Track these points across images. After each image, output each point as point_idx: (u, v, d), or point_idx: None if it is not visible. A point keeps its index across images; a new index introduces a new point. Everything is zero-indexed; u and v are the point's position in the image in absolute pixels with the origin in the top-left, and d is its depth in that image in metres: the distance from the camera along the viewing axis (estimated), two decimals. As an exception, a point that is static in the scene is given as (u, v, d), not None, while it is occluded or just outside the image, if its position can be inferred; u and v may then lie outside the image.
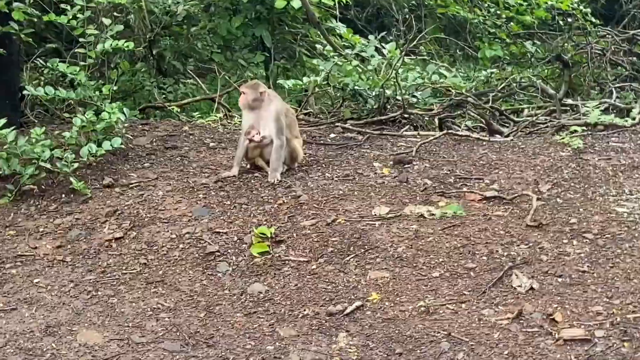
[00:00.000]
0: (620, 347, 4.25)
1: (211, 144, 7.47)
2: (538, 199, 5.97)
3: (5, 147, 6.35)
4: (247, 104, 6.67)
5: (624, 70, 12.57)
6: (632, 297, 4.66)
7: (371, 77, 8.28)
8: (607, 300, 4.67)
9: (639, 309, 4.54)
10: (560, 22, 14.59)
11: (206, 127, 8.11)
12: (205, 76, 10.78)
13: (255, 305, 4.95)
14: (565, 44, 14.00)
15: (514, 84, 10.89)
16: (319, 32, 10.15)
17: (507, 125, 8.90)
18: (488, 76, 11.65)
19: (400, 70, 8.42)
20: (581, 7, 14.31)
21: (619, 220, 5.61)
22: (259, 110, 6.67)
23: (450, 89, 8.78)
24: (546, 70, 13.34)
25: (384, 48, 8.73)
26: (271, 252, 5.49)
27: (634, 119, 7.71)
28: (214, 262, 5.44)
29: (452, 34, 15.06)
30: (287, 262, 5.38)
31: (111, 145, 6.59)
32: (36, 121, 8.03)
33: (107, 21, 7.29)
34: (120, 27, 7.57)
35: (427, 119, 8.41)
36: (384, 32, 9.63)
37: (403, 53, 8.21)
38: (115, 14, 8.49)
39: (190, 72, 9.85)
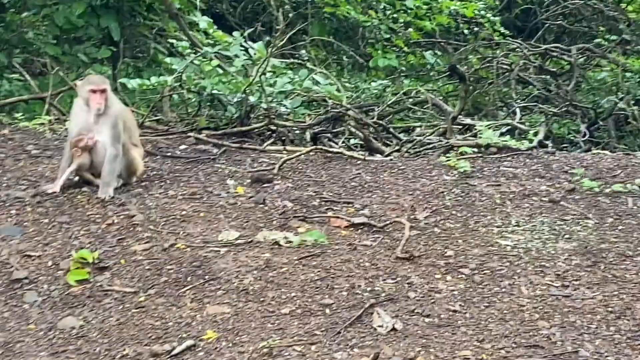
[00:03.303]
0: (487, 397, 4.37)
1: (34, 152, 7.35)
2: (412, 228, 6.10)
3: None
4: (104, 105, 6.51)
5: (535, 89, 13.02)
6: (505, 341, 4.80)
7: (233, 81, 8.33)
8: (478, 344, 4.80)
9: (512, 355, 4.68)
10: (465, 31, 15.00)
11: (31, 131, 7.98)
12: (40, 72, 10.63)
13: (65, 343, 4.87)
14: (470, 56, 14.41)
15: (407, 99, 11.17)
16: (178, 27, 10.15)
17: (391, 144, 9.09)
18: (381, 89, 11.92)
19: (268, 75, 8.50)
20: (489, 16, 14.75)
21: (501, 254, 5.78)
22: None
23: (327, 99, 8.91)
24: (449, 86, 13.70)
25: (252, 48, 8.80)
26: (91, 280, 5.42)
27: (531, 141, 7.99)
28: (21, 290, 5.33)
29: (343, 39, 15.29)
30: (109, 292, 5.32)
31: None
32: None
33: None
34: None
35: (297, 132, 8.50)
36: (251, 30, 9.69)
37: (270, 54, 8.28)
38: None
39: (18, 65, 9.69)
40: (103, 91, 6.48)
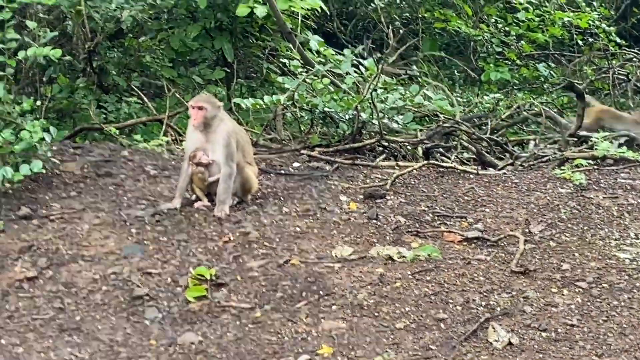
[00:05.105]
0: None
1: (152, 172, 7.53)
2: (527, 242, 6.06)
3: None
4: (206, 122, 6.66)
5: (652, 99, 12.76)
6: (625, 356, 4.73)
7: (345, 98, 8.39)
8: (597, 358, 4.73)
9: (632, 369, 4.60)
10: (580, 42, 14.76)
11: (149, 152, 8.18)
12: (157, 94, 10.90)
13: (185, 358, 4.98)
14: (585, 67, 14.19)
15: (521, 112, 11.03)
16: (290, 46, 10.26)
17: (505, 158, 9.02)
18: (493, 103, 11.81)
19: (380, 91, 8.54)
20: (604, 26, 14.50)
21: (619, 268, 5.69)
22: (207, 131, 6.71)
23: (439, 114, 8.90)
24: (563, 98, 13.50)
25: (363, 65, 8.86)
26: (209, 296, 5.53)
27: (649, 152, 7.84)
28: (142, 307, 5.47)
29: (454, 54, 15.25)
30: (227, 308, 5.42)
31: (30, 169, 6.62)
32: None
33: (31, 24, 7.37)
34: (53, 34, 7.64)
35: (409, 147, 8.51)
36: (362, 47, 9.75)
37: (380, 69, 8.32)
38: (41, 15, 8.56)
39: (136, 88, 9.95)
40: (200, 108, 6.59)
